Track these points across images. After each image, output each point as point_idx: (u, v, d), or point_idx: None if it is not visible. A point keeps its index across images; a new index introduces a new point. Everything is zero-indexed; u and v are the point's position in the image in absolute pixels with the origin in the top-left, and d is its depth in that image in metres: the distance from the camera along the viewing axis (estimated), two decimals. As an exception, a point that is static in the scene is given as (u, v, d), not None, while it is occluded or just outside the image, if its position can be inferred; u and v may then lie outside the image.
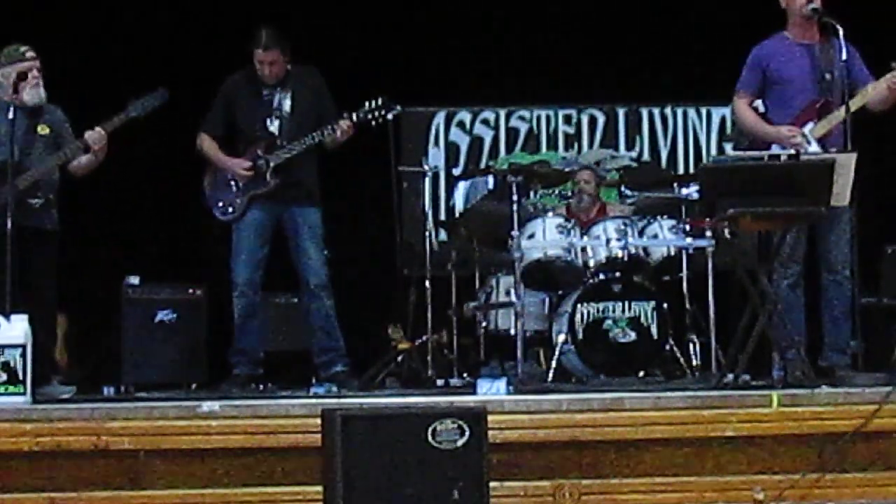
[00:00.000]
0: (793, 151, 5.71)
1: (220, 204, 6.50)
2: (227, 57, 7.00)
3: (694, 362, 6.70)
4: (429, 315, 7.12)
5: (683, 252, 6.77)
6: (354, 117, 6.35)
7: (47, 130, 6.12)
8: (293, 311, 7.47)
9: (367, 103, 6.38)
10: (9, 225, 5.71)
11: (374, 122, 6.41)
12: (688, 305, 6.82)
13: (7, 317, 5.36)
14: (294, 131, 6.43)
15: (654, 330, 6.66)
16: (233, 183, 6.47)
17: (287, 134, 6.44)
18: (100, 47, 8.08)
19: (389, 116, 6.45)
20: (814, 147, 5.78)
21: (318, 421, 4.39)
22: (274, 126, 6.48)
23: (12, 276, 5.84)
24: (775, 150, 5.80)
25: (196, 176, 7.16)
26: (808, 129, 5.84)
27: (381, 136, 6.55)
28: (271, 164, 6.39)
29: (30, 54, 6.07)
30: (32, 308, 5.72)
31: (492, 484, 4.28)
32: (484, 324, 7.32)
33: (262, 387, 6.65)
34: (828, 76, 5.84)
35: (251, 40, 6.46)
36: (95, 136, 6.01)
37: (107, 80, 7.59)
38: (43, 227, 6.10)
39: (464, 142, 9.18)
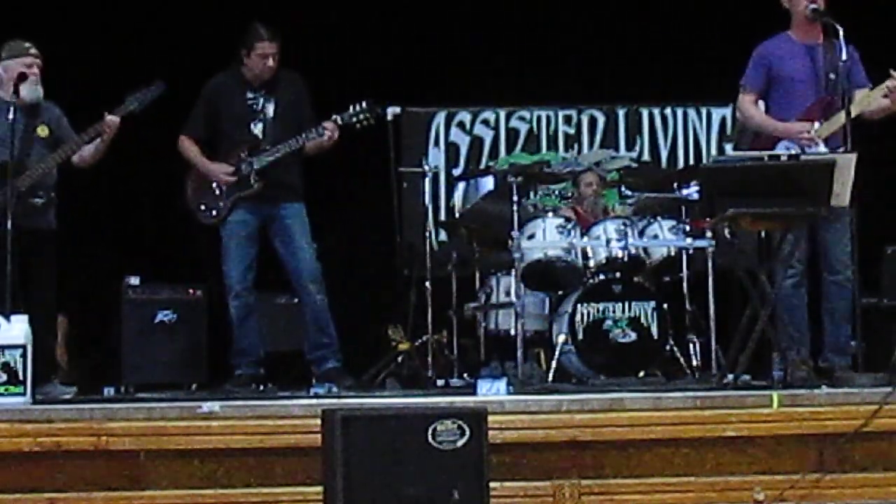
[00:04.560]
0: (793, 151, 5.71)
1: (203, 208, 6.54)
2: (224, 56, 6.99)
3: (694, 362, 6.70)
4: (429, 315, 7.12)
5: (683, 252, 6.77)
6: (339, 120, 6.36)
7: (47, 132, 6.16)
8: (293, 311, 7.46)
9: (352, 106, 6.40)
10: (9, 225, 5.73)
11: (358, 126, 6.43)
12: (688, 305, 6.82)
13: (7, 317, 5.36)
14: (277, 135, 6.46)
15: (654, 330, 6.66)
16: (216, 186, 6.49)
17: (270, 137, 6.48)
18: (95, 43, 8.07)
19: (373, 121, 6.48)
20: (821, 147, 5.78)
21: (318, 421, 4.40)
22: (258, 129, 6.51)
23: (12, 277, 5.86)
24: (779, 149, 5.80)
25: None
26: (813, 128, 5.84)
27: (381, 136, 6.55)
28: (255, 167, 6.42)
29: (33, 51, 6.13)
30: (33, 308, 5.73)
31: (492, 484, 4.29)
32: (484, 324, 7.31)
33: (262, 387, 6.65)
34: (832, 75, 5.84)
35: (249, 35, 6.46)
36: (111, 122, 6.06)
37: (102, 76, 7.58)
38: (43, 226, 6.12)
39: (464, 142, 9.18)
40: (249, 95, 6.53)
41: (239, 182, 6.44)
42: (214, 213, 6.49)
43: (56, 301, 6.30)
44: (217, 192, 6.48)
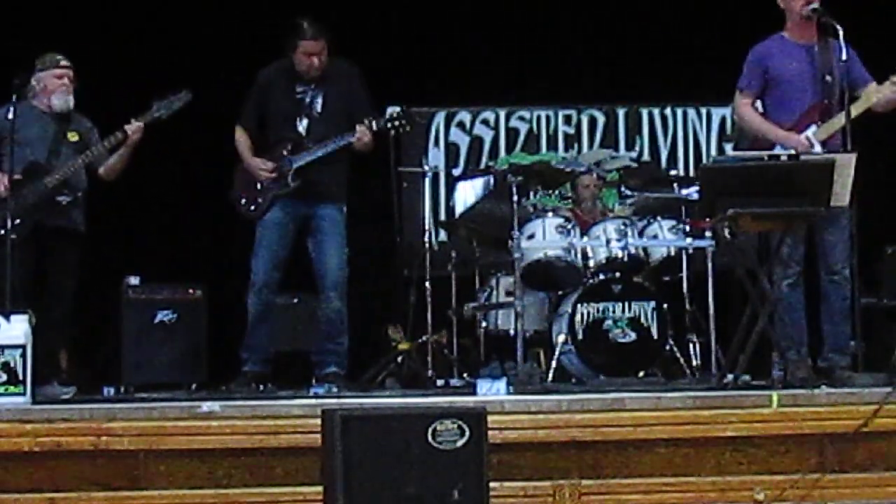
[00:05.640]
0: (793, 151, 5.70)
1: (244, 200, 6.52)
2: (226, 58, 7.00)
3: (694, 362, 6.71)
4: (429, 315, 7.12)
5: (683, 252, 6.77)
6: (374, 125, 6.33)
7: (77, 137, 6.27)
8: (294, 311, 7.48)
9: (389, 113, 6.34)
10: (8, 225, 5.75)
11: (393, 132, 6.42)
12: (688, 305, 6.83)
13: (7, 317, 5.36)
14: (322, 132, 6.40)
15: (654, 330, 6.66)
16: (258, 181, 6.48)
17: (315, 135, 6.42)
18: (115, 48, 8.07)
19: (409, 128, 6.45)
20: (818, 150, 5.78)
21: (318, 421, 4.40)
22: (302, 126, 6.46)
23: (29, 275, 5.98)
24: (779, 149, 5.80)
25: (195, 176, 7.16)
26: (810, 132, 5.83)
27: (381, 136, 6.54)
28: (294, 166, 6.39)
29: (64, 63, 6.25)
30: (46, 309, 5.75)
31: (492, 484, 4.29)
32: (484, 324, 7.32)
33: (262, 387, 6.65)
34: (828, 77, 5.83)
35: (292, 32, 6.38)
36: (134, 127, 6.16)
37: (116, 81, 7.59)
38: (69, 226, 6.19)
39: (464, 142, 9.18)
40: (298, 89, 6.46)
41: (278, 179, 6.43)
42: (253, 207, 6.48)
43: (72, 304, 6.32)
44: (258, 186, 6.47)
